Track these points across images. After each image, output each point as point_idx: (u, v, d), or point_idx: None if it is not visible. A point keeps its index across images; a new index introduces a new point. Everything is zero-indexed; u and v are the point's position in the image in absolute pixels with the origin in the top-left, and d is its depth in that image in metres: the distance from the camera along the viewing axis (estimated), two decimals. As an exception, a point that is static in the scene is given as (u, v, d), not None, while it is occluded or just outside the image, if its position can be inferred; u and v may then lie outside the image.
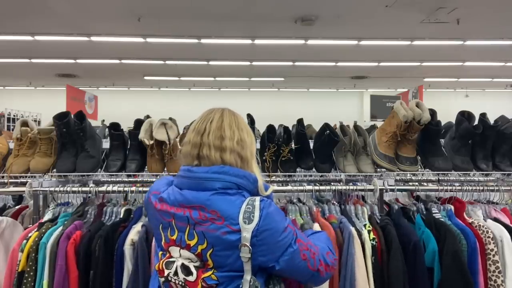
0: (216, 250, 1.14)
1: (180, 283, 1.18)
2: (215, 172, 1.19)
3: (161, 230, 1.24)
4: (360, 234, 1.70)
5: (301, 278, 1.28)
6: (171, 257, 1.21)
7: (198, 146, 1.23)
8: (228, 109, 1.35)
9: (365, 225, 1.77)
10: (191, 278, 1.16)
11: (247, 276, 1.14)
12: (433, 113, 2.10)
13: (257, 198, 1.17)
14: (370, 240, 1.69)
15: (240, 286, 1.14)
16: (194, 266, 1.17)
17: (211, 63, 10.17)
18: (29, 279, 1.60)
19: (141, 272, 1.58)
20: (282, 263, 1.16)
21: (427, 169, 2.16)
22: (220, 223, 1.13)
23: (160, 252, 1.27)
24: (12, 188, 2.00)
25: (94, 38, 7.90)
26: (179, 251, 1.19)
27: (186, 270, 1.17)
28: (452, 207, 1.95)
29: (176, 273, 1.18)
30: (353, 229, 1.71)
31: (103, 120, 10.19)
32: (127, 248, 1.64)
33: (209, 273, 1.15)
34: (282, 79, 12.58)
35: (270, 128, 2.22)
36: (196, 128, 1.27)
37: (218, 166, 1.20)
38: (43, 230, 1.69)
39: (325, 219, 1.83)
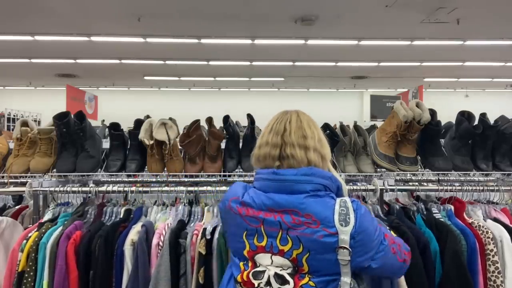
0: (312, 254, 1.12)
1: None
2: (305, 174, 1.18)
3: (244, 238, 1.18)
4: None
5: (391, 273, 1.28)
6: (258, 266, 1.16)
7: (279, 146, 1.23)
8: (301, 110, 1.38)
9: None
10: (288, 287, 1.13)
11: (347, 279, 1.12)
12: (433, 113, 2.10)
13: (348, 199, 1.17)
14: None
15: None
16: (288, 274, 1.13)
17: (211, 63, 10.17)
18: (29, 279, 1.60)
19: (141, 272, 1.58)
20: (378, 261, 1.15)
21: (427, 169, 2.16)
22: (315, 227, 1.11)
23: (241, 263, 1.19)
24: (12, 188, 2.01)
25: (94, 38, 7.90)
26: (271, 257, 1.15)
27: (281, 279, 1.13)
28: (452, 207, 1.95)
29: (268, 283, 1.14)
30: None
31: (103, 120, 10.21)
32: (127, 248, 1.64)
33: (306, 279, 1.13)
34: (282, 79, 12.58)
35: (270, 128, 2.21)
36: (274, 129, 1.27)
37: (307, 168, 1.20)
38: (43, 230, 1.70)
39: None
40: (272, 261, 1.15)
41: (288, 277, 1.13)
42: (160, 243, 1.65)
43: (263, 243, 1.15)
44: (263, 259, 1.16)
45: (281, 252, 1.14)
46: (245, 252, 1.18)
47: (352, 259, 1.11)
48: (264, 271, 1.15)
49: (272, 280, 1.13)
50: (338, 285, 1.13)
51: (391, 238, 1.23)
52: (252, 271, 1.16)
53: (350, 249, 1.10)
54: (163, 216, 1.88)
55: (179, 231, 1.71)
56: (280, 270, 1.14)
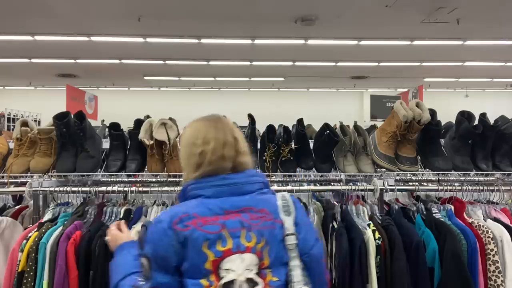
0: (271, 246, 1.20)
1: None
2: (252, 175, 1.28)
3: (205, 249, 1.15)
4: (363, 233, 1.70)
5: (318, 280, 1.29)
6: (222, 277, 1.14)
7: (233, 158, 1.26)
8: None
9: (368, 225, 1.78)
10: None
11: (296, 262, 1.22)
12: (433, 113, 2.11)
13: (286, 194, 1.31)
14: (376, 239, 1.69)
15: (290, 272, 1.21)
16: (255, 274, 1.17)
17: (211, 63, 10.17)
18: (29, 279, 1.60)
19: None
20: (317, 248, 1.27)
21: (427, 169, 2.16)
22: (270, 219, 1.22)
23: (202, 280, 1.15)
24: (12, 188, 2.01)
25: (94, 38, 7.90)
26: (240, 256, 1.17)
27: (252, 282, 1.16)
28: (452, 207, 1.95)
29: None
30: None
31: (103, 120, 10.19)
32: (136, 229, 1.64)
33: (269, 276, 1.19)
34: (282, 79, 12.57)
35: (270, 128, 2.22)
36: (226, 143, 1.26)
37: (250, 170, 1.30)
38: (43, 230, 1.70)
39: None
40: (243, 259, 1.17)
41: (256, 278, 1.17)
42: None
43: (229, 246, 1.17)
44: (231, 262, 1.16)
45: (248, 249, 1.18)
46: (207, 265, 1.15)
47: (299, 242, 1.23)
48: (233, 281, 1.15)
49: (244, 286, 1.15)
50: (289, 270, 1.22)
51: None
52: (223, 283, 1.14)
53: (295, 233, 1.22)
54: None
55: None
56: (249, 271, 1.17)
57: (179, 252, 1.15)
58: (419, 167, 2.16)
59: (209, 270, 1.15)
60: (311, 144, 2.23)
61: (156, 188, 1.99)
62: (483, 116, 2.15)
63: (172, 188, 1.96)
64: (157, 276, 1.15)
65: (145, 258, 1.18)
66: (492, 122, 2.18)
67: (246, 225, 1.19)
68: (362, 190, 2.02)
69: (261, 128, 2.41)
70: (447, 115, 2.97)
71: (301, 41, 8.10)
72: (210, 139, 1.26)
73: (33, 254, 1.62)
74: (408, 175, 2.22)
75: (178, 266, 1.15)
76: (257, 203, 1.23)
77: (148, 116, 2.60)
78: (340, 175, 2.21)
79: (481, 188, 2.03)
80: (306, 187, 2.03)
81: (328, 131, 2.10)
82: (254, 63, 10.19)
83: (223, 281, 1.14)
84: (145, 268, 1.17)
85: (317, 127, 2.38)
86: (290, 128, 2.30)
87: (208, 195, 1.23)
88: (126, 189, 1.93)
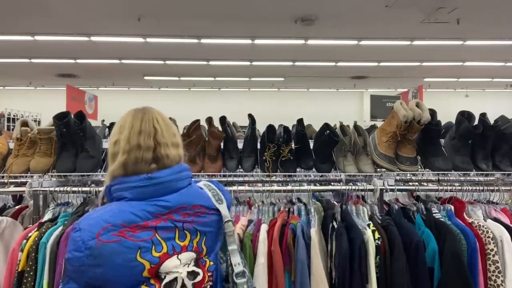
0: (208, 236, 1.21)
1: None
2: (179, 171, 1.20)
3: (140, 259, 1.07)
4: (363, 233, 1.71)
5: None
6: (164, 278, 1.10)
7: (152, 148, 1.17)
8: (154, 108, 1.32)
9: (368, 225, 1.78)
10: (199, 278, 1.17)
11: (234, 246, 1.27)
12: (433, 113, 2.11)
13: (209, 183, 1.32)
14: (375, 240, 1.69)
15: (228, 257, 1.27)
16: (194, 266, 1.16)
17: (211, 63, 10.17)
18: (29, 279, 1.60)
19: None
20: None
21: (427, 169, 2.16)
22: (203, 213, 1.20)
23: (143, 286, 1.08)
24: (12, 188, 2.01)
25: (94, 38, 7.90)
26: (177, 257, 1.13)
27: (193, 275, 1.15)
28: (452, 207, 1.95)
29: (183, 286, 1.12)
30: (312, 230, 1.72)
31: (103, 120, 10.18)
32: None
33: (207, 261, 1.21)
34: (282, 79, 12.57)
35: (270, 128, 2.22)
36: (142, 131, 1.18)
37: (177, 165, 1.21)
38: (43, 230, 1.70)
39: (287, 219, 1.83)
40: (180, 260, 1.13)
41: (196, 269, 1.17)
42: None
43: (164, 250, 1.11)
44: (169, 264, 1.11)
45: (184, 248, 1.15)
46: (145, 273, 1.07)
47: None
48: (175, 279, 1.11)
49: (186, 281, 1.13)
50: (228, 254, 1.27)
51: None
52: (162, 284, 1.09)
53: (232, 219, 1.27)
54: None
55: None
56: (187, 266, 1.15)
57: (93, 268, 1.03)
58: (419, 167, 2.16)
59: (148, 277, 1.08)
60: (311, 144, 2.23)
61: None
62: (483, 116, 2.15)
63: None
64: (69, 282, 1.05)
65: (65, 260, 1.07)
66: (492, 122, 2.18)
67: (179, 225, 1.15)
68: (362, 190, 2.02)
69: (261, 128, 2.41)
70: (447, 115, 2.97)
71: (301, 41, 8.10)
72: (125, 127, 1.19)
73: (33, 254, 1.62)
74: (408, 175, 2.22)
75: (90, 283, 1.04)
76: (187, 200, 1.18)
77: (148, 116, 2.59)
78: (340, 175, 2.21)
79: (481, 188, 2.03)
80: (306, 187, 2.03)
81: (328, 131, 2.10)
82: (254, 63, 10.19)
83: (165, 281, 1.10)
84: (64, 270, 1.10)
85: (317, 127, 2.38)
86: (290, 128, 2.30)
87: (131, 197, 1.12)
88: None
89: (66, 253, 1.06)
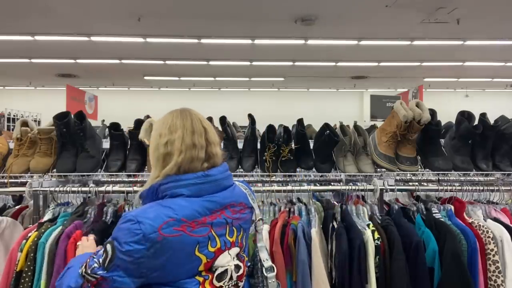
0: (246, 233, 1.30)
1: (233, 283, 1.22)
2: (225, 170, 1.27)
3: (198, 253, 1.12)
4: (363, 234, 1.70)
5: None
6: (216, 270, 1.16)
7: (205, 147, 1.22)
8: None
9: (368, 225, 1.77)
10: (241, 271, 1.24)
11: (262, 243, 1.39)
12: (433, 113, 2.11)
13: (240, 182, 1.38)
14: (375, 240, 1.69)
15: (257, 253, 1.37)
16: (237, 259, 1.24)
17: (211, 63, 10.17)
18: (27, 279, 1.60)
19: None
20: None
21: (427, 169, 2.16)
22: (245, 210, 1.29)
23: (197, 277, 1.13)
24: (12, 188, 2.00)
25: (94, 38, 7.90)
26: (228, 252, 1.20)
27: (238, 268, 1.23)
28: (452, 207, 1.95)
29: (230, 278, 1.20)
30: (313, 230, 1.72)
31: (103, 120, 10.19)
32: None
33: (244, 256, 1.29)
34: (282, 79, 12.57)
35: (270, 128, 2.22)
36: (195, 130, 1.21)
37: (223, 164, 1.28)
38: (42, 230, 1.69)
39: (288, 219, 1.83)
40: (230, 254, 1.20)
41: (239, 263, 1.24)
42: None
43: (218, 245, 1.17)
44: (223, 259, 1.18)
45: (232, 244, 1.22)
46: (201, 268, 1.13)
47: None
48: (226, 271, 1.19)
49: (233, 274, 1.21)
50: (256, 251, 1.37)
51: None
52: (215, 275, 1.17)
53: (262, 217, 1.39)
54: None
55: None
56: (234, 259, 1.22)
57: (152, 260, 1.06)
58: (419, 167, 2.16)
59: (202, 271, 1.14)
60: (311, 144, 2.23)
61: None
62: (483, 116, 2.15)
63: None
64: (116, 270, 1.05)
65: (111, 246, 1.06)
66: (492, 122, 2.18)
67: (229, 221, 1.21)
68: (362, 190, 2.02)
69: (261, 128, 2.41)
70: (447, 115, 2.97)
71: (301, 41, 8.10)
72: (177, 127, 1.21)
73: (32, 254, 1.62)
74: (408, 175, 2.22)
75: (146, 273, 1.07)
76: (236, 198, 1.26)
77: (148, 116, 2.60)
78: (340, 175, 2.21)
79: (481, 188, 2.03)
80: (306, 187, 2.03)
81: (328, 131, 2.10)
82: (254, 63, 10.19)
83: (217, 273, 1.17)
84: (107, 255, 1.06)
85: (317, 127, 2.38)
86: (290, 128, 2.30)
87: (189, 194, 1.15)
88: (126, 189, 1.92)
89: (120, 244, 1.05)
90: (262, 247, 1.36)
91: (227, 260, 1.19)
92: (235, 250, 1.22)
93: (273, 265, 1.34)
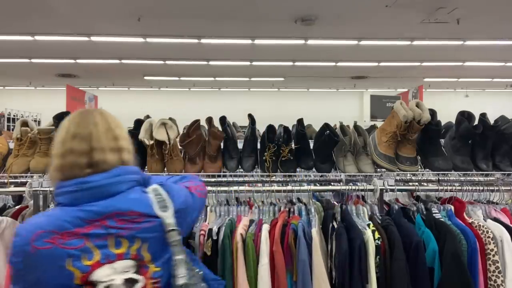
0: (150, 243, 1.15)
1: None
2: (117, 175, 1.15)
3: (70, 267, 1.06)
4: (363, 233, 1.71)
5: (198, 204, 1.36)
6: (97, 285, 1.08)
7: (87, 153, 1.14)
8: (103, 109, 1.30)
9: (368, 225, 1.78)
10: (138, 285, 1.12)
11: (181, 256, 1.19)
12: (433, 113, 2.11)
13: (157, 187, 1.22)
14: (375, 240, 1.69)
15: (175, 267, 1.18)
16: (134, 273, 1.12)
17: (211, 63, 10.17)
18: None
19: None
20: (197, 213, 1.36)
21: (427, 169, 2.16)
22: (143, 219, 1.14)
23: None
24: (12, 188, 2.00)
25: (94, 38, 7.90)
26: (111, 266, 1.10)
27: (131, 282, 1.11)
28: (452, 207, 1.95)
29: None
30: (313, 230, 1.71)
31: (103, 120, 10.18)
32: None
33: (152, 268, 1.16)
34: (282, 79, 12.57)
35: (270, 128, 2.22)
36: (77, 135, 1.15)
37: (118, 168, 1.16)
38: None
39: (288, 219, 1.83)
40: (114, 268, 1.10)
41: (136, 276, 1.12)
42: None
43: (97, 258, 1.08)
44: (100, 273, 1.08)
45: (120, 256, 1.11)
46: (76, 281, 1.06)
47: (184, 225, 1.23)
48: (109, 286, 1.08)
49: None
50: (174, 265, 1.18)
51: (191, 186, 1.35)
52: None
53: (178, 228, 1.17)
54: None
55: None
56: (126, 273, 1.11)
57: (28, 274, 1.05)
58: (419, 167, 2.16)
59: (80, 285, 1.07)
60: (311, 144, 2.23)
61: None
62: (483, 116, 2.15)
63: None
64: (14, 285, 1.07)
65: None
66: (492, 122, 2.18)
67: (113, 232, 1.10)
68: (362, 190, 2.02)
69: (261, 128, 2.41)
70: (447, 115, 2.97)
71: (301, 41, 8.10)
72: (62, 131, 1.17)
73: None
74: (408, 175, 2.22)
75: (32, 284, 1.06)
76: (123, 206, 1.12)
77: (148, 116, 2.60)
78: (340, 175, 2.21)
79: (481, 188, 2.03)
80: (306, 187, 2.03)
81: (328, 131, 2.10)
82: (254, 63, 10.19)
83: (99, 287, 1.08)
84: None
85: (317, 127, 2.38)
86: (290, 128, 2.30)
87: (65, 202, 1.11)
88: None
89: (10, 257, 1.07)
90: (181, 260, 1.18)
91: (106, 274, 1.08)
92: (124, 263, 1.11)
93: (189, 282, 1.18)
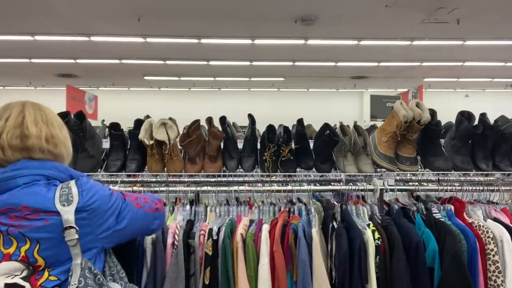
0: (42, 244, 1.04)
1: None
2: (15, 168, 1.07)
3: None
4: (363, 233, 1.71)
5: (146, 225, 1.26)
6: None
7: None
8: (32, 102, 1.17)
9: (368, 225, 1.78)
10: None
11: (78, 260, 1.05)
12: (433, 113, 2.11)
13: (72, 181, 1.11)
14: (375, 240, 1.69)
15: (70, 274, 1.04)
16: (22, 278, 1.02)
17: (211, 63, 10.17)
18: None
19: (159, 269, 1.62)
20: (124, 221, 1.16)
21: (427, 169, 2.16)
22: (36, 216, 1.03)
23: None
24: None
25: (94, 38, 7.89)
26: None
27: (14, 287, 1.00)
28: (452, 207, 1.95)
29: None
30: (313, 230, 1.72)
31: (103, 120, 10.18)
32: (148, 247, 1.66)
33: (45, 276, 1.04)
34: (282, 79, 12.57)
35: (270, 128, 2.22)
36: None
37: (18, 162, 1.08)
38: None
39: (288, 219, 1.83)
40: None
41: (22, 282, 1.01)
42: (175, 242, 1.67)
43: None
44: None
45: (6, 257, 1.02)
46: None
47: (82, 237, 1.06)
48: None
49: None
50: (70, 270, 1.05)
51: (132, 196, 1.24)
52: None
53: (77, 227, 1.05)
54: (171, 216, 1.90)
55: (189, 231, 1.73)
56: (12, 277, 1.00)
57: None
58: (419, 167, 2.16)
59: None
60: (311, 144, 2.23)
61: (156, 188, 2.00)
62: (483, 116, 2.15)
63: (172, 188, 1.96)
64: None
65: None
66: (492, 122, 2.18)
67: (4, 229, 1.02)
68: (362, 190, 2.02)
69: (261, 128, 2.41)
70: (447, 115, 2.97)
71: (301, 41, 8.10)
72: None
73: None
74: (408, 175, 2.22)
75: None
76: (18, 200, 1.03)
77: (148, 116, 2.60)
78: (340, 175, 2.22)
79: (481, 188, 2.03)
80: (306, 187, 2.03)
81: (328, 131, 2.10)
82: (254, 63, 10.18)
83: None
84: None
85: (317, 127, 2.38)
86: (290, 128, 2.30)
87: None
88: (126, 189, 1.92)
89: None
90: (76, 266, 1.05)
91: None
92: (8, 265, 1.02)
93: None
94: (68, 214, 1.04)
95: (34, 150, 1.10)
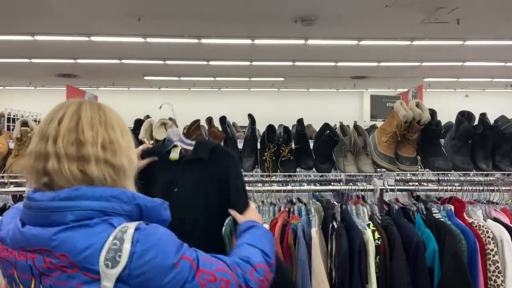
0: None
1: None
2: (65, 198, 0.83)
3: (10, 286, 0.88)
4: (363, 233, 1.71)
5: None
6: None
7: (42, 157, 0.86)
8: (90, 101, 0.95)
9: (368, 225, 1.77)
10: None
11: None
12: (433, 113, 2.11)
13: (132, 225, 0.82)
14: (375, 240, 1.69)
15: None
16: None
17: (211, 63, 10.17)
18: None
19: None
20: None
21: (427, 169, 2.16)
22: (73, 271, 0.80)
23: None
24: (12, 188, 2.00)
25: (94, 38, 7.90)
26: None
27: None
28: (452, 207, 1.95)
29: None
30: (313, 230, 1.71)
31: (103, 120, 10.18)
32: None
33: None
34: (282, 79, 12.57)
35: (270, 128, 2.22)
36: (40, 131, 0.88)
37: (71, 188, 0.84)
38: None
39: (288, 219, 1.83)
40: None
41: None
42: None
43: None
44: None
45: None
46: None
47: None
48: None
49: None
50: None
51: (212, 273, 0.89)
52: None
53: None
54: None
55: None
56: None
57: None
58: (419, 167, 2.16)
59: None
60: (311, 144, 2.23)
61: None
62: (483, 116, 2.15)
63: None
64: None
65: None
66: (492, 122, 2.18)
67: (36, 274, 0.82)
68: (362, 190, 2.02)
69: (261, 128, 2.41)
70: (447, 115, 2.97)
71: (301, 41, 8.10)
72: (36, 133, 0.90)
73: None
74: (408, 175, 2.22)
75: None
76: (57, 244, 0.80)
77: (148, 116, 2.60)
78: (340, 175, 2.21)
79: (481, 188, 2.03)
80: (306, 187, 2.03)
81: (328, 131, 2.10)
82: (254, 63, 10.19)
83: None
84: None
85: (317, 127, 2.38)
86: (290, 128, 2.30)
87: (20, 215, 0.88)
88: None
89: None
90: None
91: None
92: None
93: None
94: (107, 280, 0.78)
95: (89, 161, 0.86)
